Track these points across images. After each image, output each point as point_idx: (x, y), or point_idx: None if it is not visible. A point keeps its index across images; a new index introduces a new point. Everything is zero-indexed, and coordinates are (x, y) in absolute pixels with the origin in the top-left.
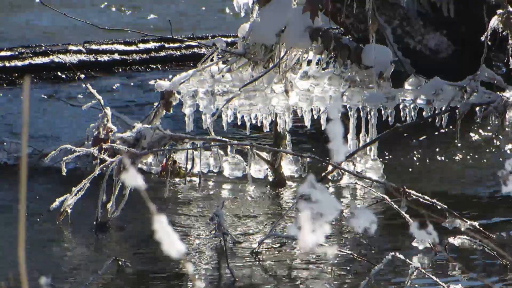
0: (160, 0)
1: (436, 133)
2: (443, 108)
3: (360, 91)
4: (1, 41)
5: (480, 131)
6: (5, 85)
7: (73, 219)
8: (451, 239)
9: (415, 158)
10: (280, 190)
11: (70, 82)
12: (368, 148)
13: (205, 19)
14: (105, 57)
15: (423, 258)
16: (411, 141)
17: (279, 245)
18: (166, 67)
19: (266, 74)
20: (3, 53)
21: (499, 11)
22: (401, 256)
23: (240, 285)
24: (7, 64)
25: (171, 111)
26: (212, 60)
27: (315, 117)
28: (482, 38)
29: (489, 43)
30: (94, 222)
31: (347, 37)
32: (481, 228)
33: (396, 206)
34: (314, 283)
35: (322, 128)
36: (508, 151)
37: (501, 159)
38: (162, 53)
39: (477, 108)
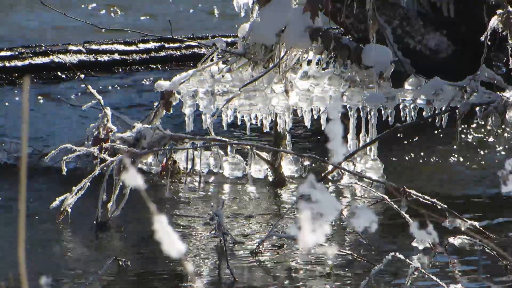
0: (149, 1)
1: (436, 133)
2: (443, 108)
3: (360, 91)
4: (1, 41)
5: (480, 131)
6: (5, 85)
7: (73, 218)
8: (451, 239)
9: (415, 158)
10: (280, 190)
11: (70, 82)
12: (368, 148)
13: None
14: (105, 57)
15: (423, 258)
16: (411, 141)
17: (279, 245)
18: (166, 67)
19: (266, 74)
20: (3, 53)
21: (499, 11)
22: (401, 256)
23: (240, 285)
24: (7, 64)
25: (171, 111)
26: (212, 60)
27: (315, 117)
28: (482, 38)
29: (489, 43)
30: (94, 222)
31: (347, 37)
32: (481, 228)
33: (396, 206)
34: (314, 283)
35: (322, 128)
36: (508, 151)
37: (501, 159)
38: (162, 53)
39: (477, 108)
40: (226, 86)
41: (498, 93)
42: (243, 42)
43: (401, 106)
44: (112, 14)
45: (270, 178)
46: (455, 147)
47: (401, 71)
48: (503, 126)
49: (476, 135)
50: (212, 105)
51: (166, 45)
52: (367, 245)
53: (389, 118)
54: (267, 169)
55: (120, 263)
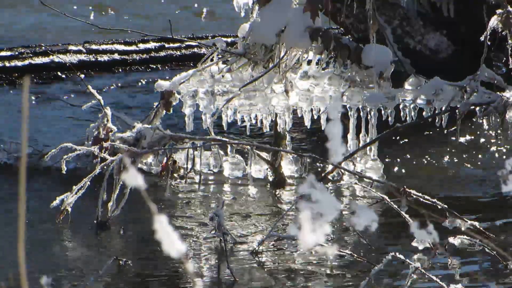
0: (136, 2)
1: (436, 133)
2: (443, 108)
3: (360, 91)
4: (1, 41)
5: (480, 131)
6: (5, 85)
7: (74, 218)
8: (451, 239)
9: (415, 158)
10: (280, 190)
11: (70, 82)
12: (368, 148)
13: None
14: (105, 57)
15: (423, 258)
16: (411, 141)
17: (279, 245)
18: (166, 67)
19: (266, 74)
20: (3, 53)
21: (499, 11)
22: (401, 256)
23: (240, 285)
24: (7, 64)
25: (171, 111)
26: (212, 60)
27: (315, 117)
28: (482, 38)
29: (489, 43)
30: (95, 221)
31: (347, 37)
32: (481, 228)
33: (396, 206)
34: (314, 283)
35: (322, 128)
36: (508, 151)
37: (501, 159)
38: (162, 53)
39: (477, 108)
40: (226, 86)
41: (498, 93)
42: (243, 42)
43: (401, 106)
44: (103, 13)
45: (270, 178)
46: (455, 147)
47: (401, 71)
48: (503, 126)
49: (476, 135)
50: (212, 105)
51: (166, 45)
52: (367, 245)
53: (389, 118)
54: (267, 169)
55: (121, 263)
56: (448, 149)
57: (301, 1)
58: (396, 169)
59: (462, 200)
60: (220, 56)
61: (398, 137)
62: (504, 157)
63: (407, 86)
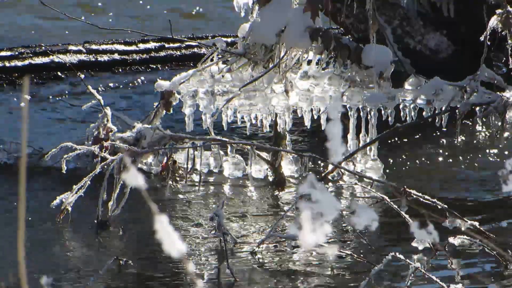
0: (125, 2)
1: (436, 133)
2: (443, 108)
3: (360, 91)
4: (1, 41)
5: (480, 131)
6: (5, 85)
7: (74, 218)
8: (451, 239)
9: (415, 158)
10: (280, 190)
11: (70, 82)
12: (368, 148)
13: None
14: (105, 57)
15: (423, 258)
16: (411, 141)
17: (279, 245)
18: (166, 67)
19: (266, 74)
20: (3, 53)
21: (499, 11)
22: (401, 256)
23: (240, 285)
24: (7, 64)
25: (171, 111)
26: (212, 60)
27: (315, 117)
28: (482, 38)
29: (489, 43)
30: (95, 221)
31: (347, 37)
32: (481, 228)
33: (396, 206)
34: (314, 283)
35: (322, 128)
36: (508, 151)
37: (501, 159)
38: (162, 53)
39: (477, 108)
40: (226, 86)
41: (498, 93)
42: (243, 42)
43: (401, 106)
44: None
45: (270, 178)
46: (455, 147)
47: (401, 71)
48: (503, 126)
49: (476, 135)
50: (212, 105)
51: (166, 45)
52: (367, 245)
53: (389, 118)
54: (267, 169)
55: (121, 263)
56: (448, 149)
57: (301, 1)
58: (396, 169)
59: (462, 200)
60: (220, 56)
61: (398, 137)
62: (504, 157)
63: (407, 86)
